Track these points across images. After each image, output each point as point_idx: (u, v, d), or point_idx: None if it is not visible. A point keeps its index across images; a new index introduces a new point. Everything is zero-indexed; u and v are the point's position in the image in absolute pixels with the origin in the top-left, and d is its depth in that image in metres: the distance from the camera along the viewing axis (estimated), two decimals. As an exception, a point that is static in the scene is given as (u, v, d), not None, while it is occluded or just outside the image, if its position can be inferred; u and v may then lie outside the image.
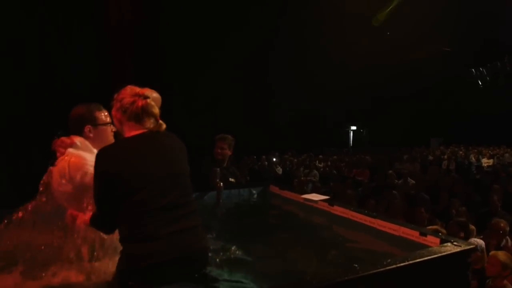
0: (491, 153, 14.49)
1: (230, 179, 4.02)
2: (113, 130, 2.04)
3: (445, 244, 1.82)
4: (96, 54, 9.27)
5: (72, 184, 1.89)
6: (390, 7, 14.91)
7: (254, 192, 3.55)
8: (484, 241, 4.66)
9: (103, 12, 10.01)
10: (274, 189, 3.51)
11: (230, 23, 14.28)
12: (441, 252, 1.70)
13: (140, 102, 1.70)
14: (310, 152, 14.98)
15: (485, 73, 18.39)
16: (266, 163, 12.68)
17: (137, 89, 1.75)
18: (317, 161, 13.15)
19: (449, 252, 1.71)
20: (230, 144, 4.06)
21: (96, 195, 1.66)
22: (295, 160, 13.33)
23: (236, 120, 15.90)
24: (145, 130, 1.70)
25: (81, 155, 1.94)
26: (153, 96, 1.90)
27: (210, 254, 1.83)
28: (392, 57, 18.87)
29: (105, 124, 2.06)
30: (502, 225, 4.35)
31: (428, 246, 1.90)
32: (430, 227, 4.03)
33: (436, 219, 5.88)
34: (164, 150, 1.71)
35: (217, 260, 2.14)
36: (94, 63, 9.22)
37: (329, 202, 2.77)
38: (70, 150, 1.96)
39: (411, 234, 2.07)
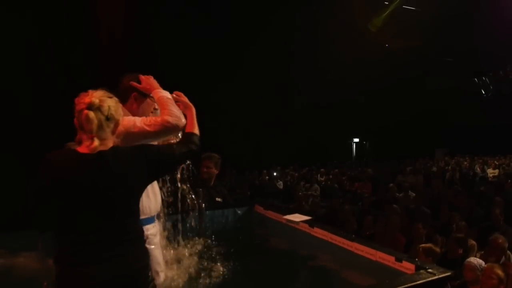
0: (497, 163, 14.22)
1: (217, 198, 3.95)
2: (156, 108, 2.21)
3: (419, 272, 1.72)
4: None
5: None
6: (387, 12, 14.76)
7: (239, 212, 3.47)
8: (485, 258, 4.51)
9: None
10: (259, 209, 3.43)
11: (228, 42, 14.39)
12: (412, 281, 1.60)
13: (84, 113, 1.61)
14: (312, 166, 14.84)
15: (488, 82, 18.25)
16: (267, 177, 12.56)
17: (87, 97, 1.64)
18: (318, 175, 13.00)
19: (421, 282, 1.61)
20: (216, 163, 4.00)
21: (29, 189, 1.62)
22: (296, 174, 13.19)
23: (238, 134, 15.95)
24: (90, 150, 1.62)
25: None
26: (109, 105, 1.70)
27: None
28: (393, 67, 18.86)
29: (151, 97, 2.18)
30: (500, 241, 4.20)
31: (402, 273, 1.80)
32: (423, 245, 3.90)
33: (436, 235, 5.71)
34: (104, 179, 1.62)
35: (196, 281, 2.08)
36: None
37: (310, 223, 2.68)
38: None
39: (387, 259, 1.97)
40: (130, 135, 1.98)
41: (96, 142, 1.62)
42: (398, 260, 1.91)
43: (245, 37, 15.01)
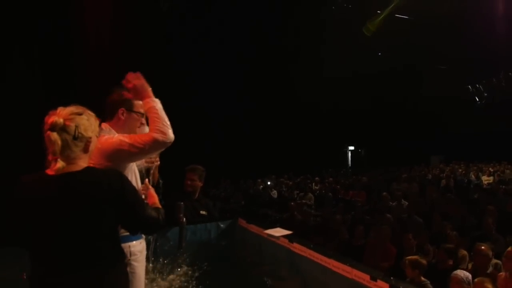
0: (492, 170, 14.20)
1: (202, 211, 3.88)
2: (143, 123, 2.20)
3: (392, 291, 1.67)
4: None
5: (107, 160, 1.93)
6: (381, 17, 14.75)
7: (222, 226, 3.41)
8: (475, 269, 4.44)
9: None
10: (242, 222, 3.37)
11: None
12: (382, 303, 1.54)
13: (46, 134, 1.57)
14: (307, 174, 14.78)
15: (482, 89, 18.34)
16: (261, 186, 12.48)
17: (52, 117, 1.58)
18: (313, 184, 12.93)
19: (391, 303, 1.55)
20: (200, 175, 3.93)
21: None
22: (290, 183, 13.13)
23: (233, 143, 15.92)
24: (54, 172, 1.58)
25: (109, 135, 2.04)
26: (77, 123, 1.63)
27: None
28: (389, 74, 18.96)
29: (138, 113, 2.18)
30: (482, 248, 4.15)
31: (376, 293, 1.75)
32: (409, 257, 3.84)
33: (427, 244, 5.65)
34: (68, 201, 1.57)
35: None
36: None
37: (290, 238, 2.63)
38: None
39: (362, 277, 1.93)
40: (118, 153, 1.96)
41: (60, 164, 1.57)
42: (373, 279, 1.86)
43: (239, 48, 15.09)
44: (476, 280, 3.43)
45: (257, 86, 16.45)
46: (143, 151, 2.00)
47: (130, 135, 2.05)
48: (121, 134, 2.05)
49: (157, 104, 2.08)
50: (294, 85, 17.51)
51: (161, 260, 2.77)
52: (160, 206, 1.89)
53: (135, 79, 2.13)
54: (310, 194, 11.08)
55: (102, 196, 1.60)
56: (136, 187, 2.14)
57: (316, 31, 15.57)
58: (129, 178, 2.06)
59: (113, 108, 2.15)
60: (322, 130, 18.88)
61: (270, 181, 13.10)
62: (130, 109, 2.17)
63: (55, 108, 1.63)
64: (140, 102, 2.17)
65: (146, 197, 2.06)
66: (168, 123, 2.03)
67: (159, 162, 2.48)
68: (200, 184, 3.93)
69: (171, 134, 2.01)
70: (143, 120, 2.21)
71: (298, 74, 17.30)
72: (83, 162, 1.64)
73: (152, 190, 2.09)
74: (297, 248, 2.48)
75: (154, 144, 1.96)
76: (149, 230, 1.86)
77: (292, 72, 17.15)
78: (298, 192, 11.63)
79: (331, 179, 13.47)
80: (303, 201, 10.34)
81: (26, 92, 8.34)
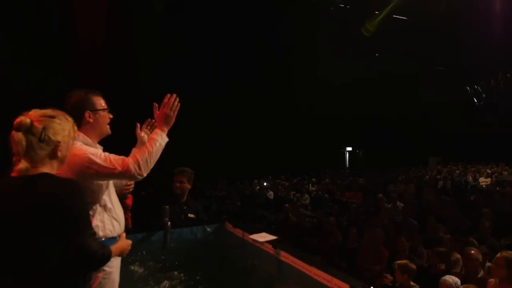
0: (489, 171, 14.16)
1: (190, 214, 3.83)
2: (110, 117, 2.16)
3: (369, 302, 1.62)
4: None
5: (73, 173, 1.86)
6: (380, 17, 14.66)
7: (209, 229, 3.36)
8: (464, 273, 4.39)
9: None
10: (229, 226, 3.32)
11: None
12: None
13: (11, 134, 1.50)
14: (305, 175, 14.73)
15: (480, 90, 18.32)
16: (258, 187, 12.43)
17: (20, 117, 1.51)
18: (310, 185, 12.88)
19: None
20: (189, 178, 3.88)
21: None
22: (287, 184, 13.08)
23: (231, 145, 15.89)
24: (16, 173, 1.48)
25: (83, 146, 1.98)
26: (45, 126, 1.53)
27: None
28: (387, 76, 18.93)
29: (104, 109, 2.13)
30: (472, 252, 4.10)
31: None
32: (398, 261, 3.79)
33: (421, 247, 5.60)
34: (14, 211, 1.44)
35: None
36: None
37: (274, 244, 2.58)
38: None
39: (342, 287, 1.87)
40: (84, 171, 1.91)
41: (23, 165, 1.48)
42: (352, 288, 1.82)
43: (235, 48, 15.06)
44: (462, 287, 3.38)
45: (255, 86, 16.42)
46: (112, 176, 1.98)
47: (105, 155, 1.98)
48: (94, 154, 1.96)
49: (162, 140, 2.08)
50: (292, 86, 17.50)
51: (142, 262, 2.72)
52: (110, 249, 1.66)
53: (172, 109, 2.14)
54: (306, 195, 11.03)
55: (43, 204, 1.44)
56: (108, 201, 2.08)
57: (314, 32, 15.54)
58: (102, 191, 2.03)
59: (78, 113, 2.02)
60: (319, 131, 18.85)
61: (266, 182, 13.04)
62: (94, 108, 2.10)
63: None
64: (101, 99, 2.13)
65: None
66: (152, 164, 2.02)
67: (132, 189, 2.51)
68: (188, 186, 3.88)
69: (144, 174, 2.00)
70: (110, 115, 2.17)
71: (296, 75, 17.29)
72: (46, 168, 1.53)
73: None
74: (280, 254, 2.44)
75: (125, 173, 1.95)
76: (81, 263, 1.51)
77: (290, 73, 17.12)
78: (294, 193, 11.57)
79: (327, 180, 13.41)
80: (298, 203, 10.29)
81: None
